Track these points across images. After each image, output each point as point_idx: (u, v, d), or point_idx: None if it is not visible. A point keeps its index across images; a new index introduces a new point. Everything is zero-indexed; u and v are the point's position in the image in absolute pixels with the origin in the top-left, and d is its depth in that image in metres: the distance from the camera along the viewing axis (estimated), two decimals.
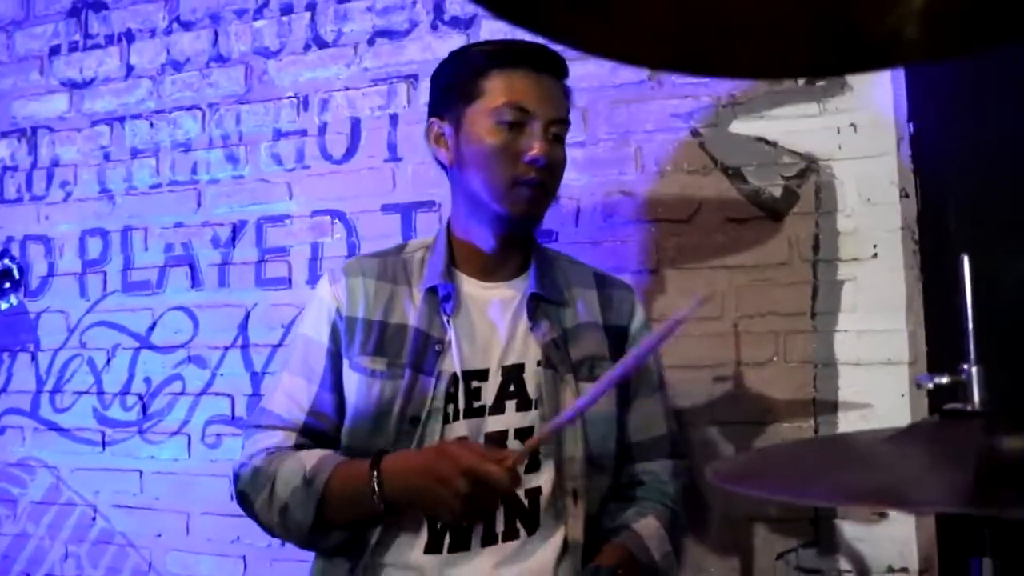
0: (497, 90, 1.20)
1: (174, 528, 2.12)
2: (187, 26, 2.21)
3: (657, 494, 1.30)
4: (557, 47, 1.18)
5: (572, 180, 1.80)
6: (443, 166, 1.30)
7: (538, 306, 1.28)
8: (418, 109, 1.95)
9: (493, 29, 1.89)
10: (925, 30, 0.42)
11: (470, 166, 1.23)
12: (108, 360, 2.22)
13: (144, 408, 2.17)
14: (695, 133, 1.76)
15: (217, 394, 2.10)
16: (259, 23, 2.13)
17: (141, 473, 2.16)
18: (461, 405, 1.22)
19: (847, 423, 1.63)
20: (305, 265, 2.05)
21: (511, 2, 0.40)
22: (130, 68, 2.26)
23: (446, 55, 1.32)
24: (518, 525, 1.21)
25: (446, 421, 1.21)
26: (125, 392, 2.19)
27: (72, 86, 2.33)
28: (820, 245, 1.67)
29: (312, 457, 1.20)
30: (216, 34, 2.18)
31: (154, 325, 2.18)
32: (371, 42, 2.03)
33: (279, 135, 2.10)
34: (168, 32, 2.22)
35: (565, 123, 1.26)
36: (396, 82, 2.00)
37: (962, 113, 1.62)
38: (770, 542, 1.66)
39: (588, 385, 1.26)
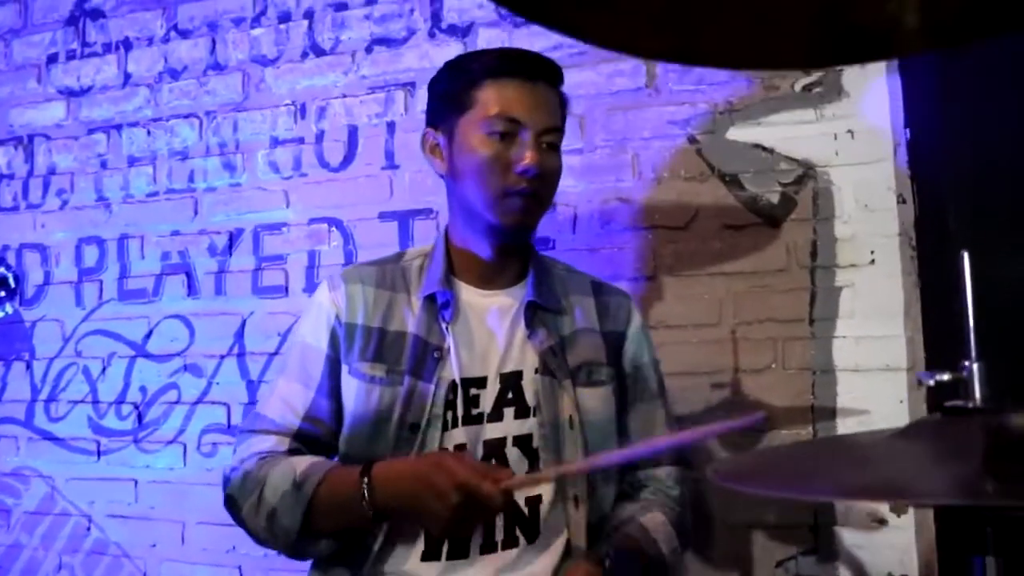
0: (488, 101, 1.20)
1: (169, 538, 2.10)
2: (185, 34, 2.21)
3: (662, 496, 1.30)
4: (554, 46, 1.18)
5: (569, 187, 1.80)
6: (440, 175, 1.31)
7: (535, 314, 1.28)
8: (415, 117, 1.95)
9: (490, 37, 1.89)
10: (924, 19, 0.42)
11: (463, 177, 1.23)
12: (104, 369, 2.21)
13: (140, 417, 2.16)
14: (692, 140, 1.76)
15: (213, 403, 2.09)
16: (257, 31, 2.14)
17: (136, 482, 2.15)
18: (460, 412, 1.22)
19: (846, 429, 1.63)
20: (302, 273, 2.05)
21: None
22: (127, 76, 2.26)
23: (443, 64, 1.33)
24: (517, 533, 1.21)
25: (445, 428, 1.21)
26: (120, 401, 2.18)
27: (69, 94, 2.33)
28: (818, 251, 1.66)
29: (303, 463, 1.19)
30: (214, 42, 2.18)
31: (150, 333, 2.17)
32: (369, 50, 2.03)
33: (276, 143, 2.10)
34: (166, 40, 2.23)
35: (559, 131, 1.25)
36: (393, 90, 2.00)
37: (958, 118, 1.63)
38: (769, 550, 1.65)
39: (587, 391, 1.26)
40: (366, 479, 1.11)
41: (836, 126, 1.67)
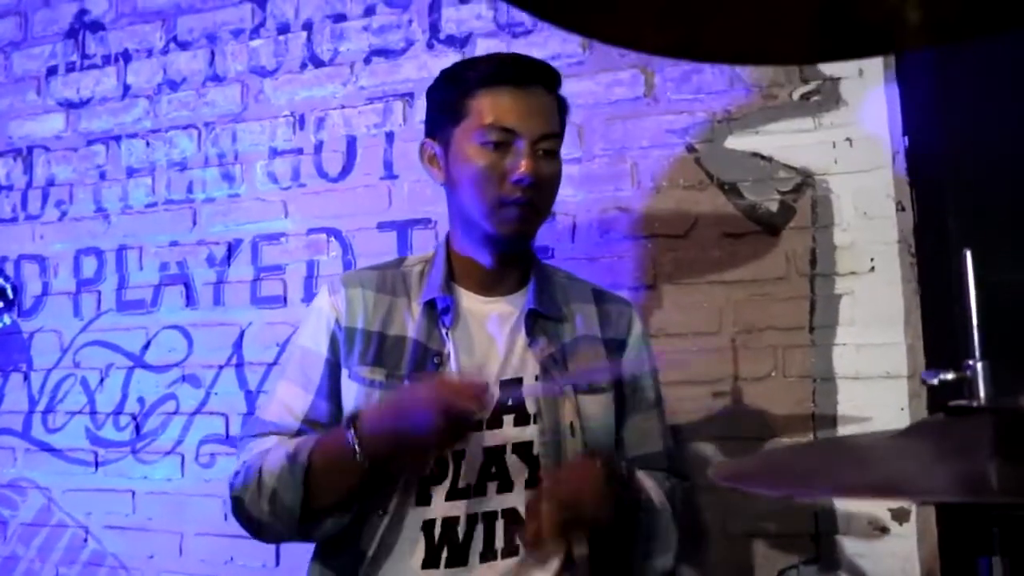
0: (482, 110, 1.20)
1: (167, 549, 2.09)
2: (184, 46, 2.22)
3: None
4: (552, 55, 1.18)
5: (568, 196, 1.80)
6: (439, 184, 1.31)
7: (536, 322, 1.28)
8: (414, 127, 1.96)
9: (488, 48, 1.90)
10: (926, 15, 0.42)
11: (460, 187, 1.23)
12: (101, 380, 2.20)
13: (137, 428, 2.15)
14: (691, 149, 1.76)
15: (211, 413, 2.08)
16: (255, 42, 2.15)
17: (134, 493, 2.14)
18: None
19: None
20: (301, 283, 2.04)
21: None
22: (127, 88, 2.27)
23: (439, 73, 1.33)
24: (517, 541, 1.20)
25: None
26: (118, 412, 2.17)
27: (69, 106, 2.33)
28: (817, 259, 1.67)
29: (294, 442, 1.19)
30: (212, 53, 2.19)
31: (148, 344, 2.17)
32: (367, 61, 2.04)
33: (275, 153, 2.10)
34: (165, 52, 2.23)
35: (556, 137, 1.25)
36: (392, 100, 2.01)
37: (956, 126, 1.63)
38: (771, 559, 1.64)
39: (588, 398, 1.26)
40: (353, 429, 1.10)
41: (834, 134, 1.67)
